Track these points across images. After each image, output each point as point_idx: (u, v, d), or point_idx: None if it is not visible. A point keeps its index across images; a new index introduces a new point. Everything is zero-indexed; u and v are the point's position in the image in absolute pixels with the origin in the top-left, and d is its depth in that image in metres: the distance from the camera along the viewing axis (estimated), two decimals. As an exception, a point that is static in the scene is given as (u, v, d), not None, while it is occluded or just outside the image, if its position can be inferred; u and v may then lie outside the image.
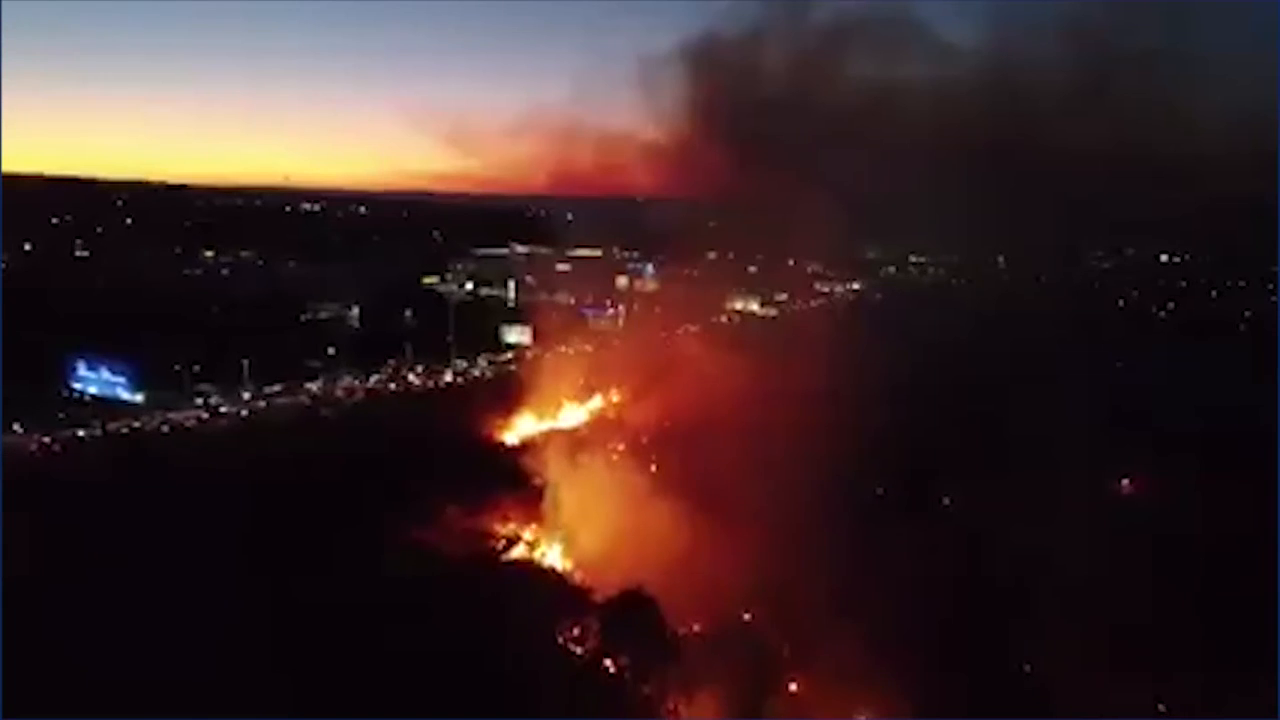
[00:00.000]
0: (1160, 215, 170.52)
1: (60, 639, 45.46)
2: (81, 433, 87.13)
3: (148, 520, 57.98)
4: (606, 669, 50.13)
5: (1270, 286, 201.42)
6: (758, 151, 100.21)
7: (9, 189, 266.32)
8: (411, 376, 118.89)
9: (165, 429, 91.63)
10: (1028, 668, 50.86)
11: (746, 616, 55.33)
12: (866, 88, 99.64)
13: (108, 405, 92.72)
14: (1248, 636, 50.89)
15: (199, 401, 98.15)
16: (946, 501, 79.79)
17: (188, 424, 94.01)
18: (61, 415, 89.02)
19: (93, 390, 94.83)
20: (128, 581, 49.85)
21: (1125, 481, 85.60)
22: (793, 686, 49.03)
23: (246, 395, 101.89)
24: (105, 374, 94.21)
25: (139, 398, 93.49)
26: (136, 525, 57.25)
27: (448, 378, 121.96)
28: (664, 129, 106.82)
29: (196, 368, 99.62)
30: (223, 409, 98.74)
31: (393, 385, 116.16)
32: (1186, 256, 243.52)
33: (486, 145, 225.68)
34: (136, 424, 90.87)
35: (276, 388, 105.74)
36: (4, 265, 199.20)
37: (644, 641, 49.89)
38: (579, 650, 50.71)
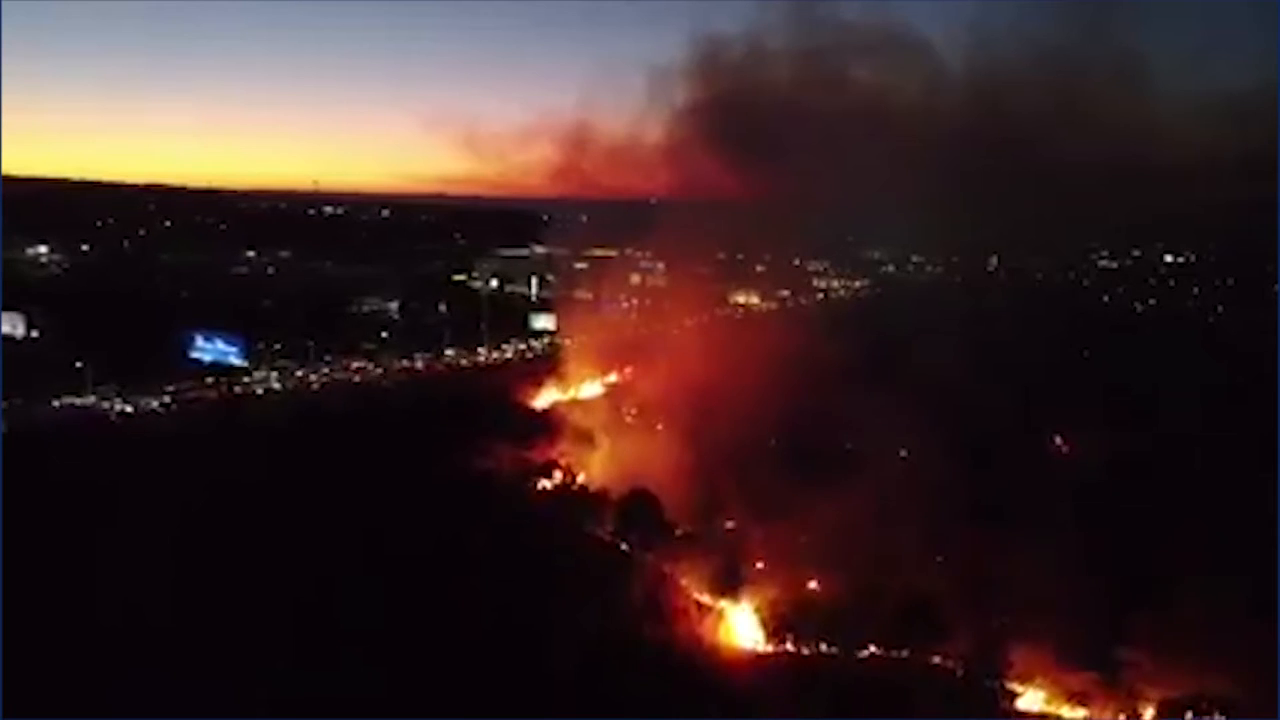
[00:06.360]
0: (1162, 216, 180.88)
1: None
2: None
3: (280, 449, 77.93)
4: (619, 546, 68.38)
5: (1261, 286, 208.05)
6: (763, 156, 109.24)
7: (48, 193, 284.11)
8: (453, 357, 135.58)
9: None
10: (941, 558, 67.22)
11: (730, 524, 71.87)
12: (868, 94, 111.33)
13: (220, 370, 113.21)
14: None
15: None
16: (904, 454, 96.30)
17: (281, 387, 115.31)
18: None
19: (208, 358, 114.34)
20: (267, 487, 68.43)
21: (1058, 439, 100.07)
22: (759, 564, 65.54)
23: (319, 369, 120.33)
24: (219, 344, 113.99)
25: (246, 364, 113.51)
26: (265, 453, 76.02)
27: (484, 358, 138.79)
28: (672, 133, 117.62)
29: (277, 346, 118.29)
30: (310, 378, 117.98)
31: (438, 364, 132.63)
32: (1192, 257, 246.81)
33: (499, 149, 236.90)
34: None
35: (354, 363, 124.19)
36: (66, 265, 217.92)
37: (647, 526, 68.07)
38: (600, 534, 69.28)
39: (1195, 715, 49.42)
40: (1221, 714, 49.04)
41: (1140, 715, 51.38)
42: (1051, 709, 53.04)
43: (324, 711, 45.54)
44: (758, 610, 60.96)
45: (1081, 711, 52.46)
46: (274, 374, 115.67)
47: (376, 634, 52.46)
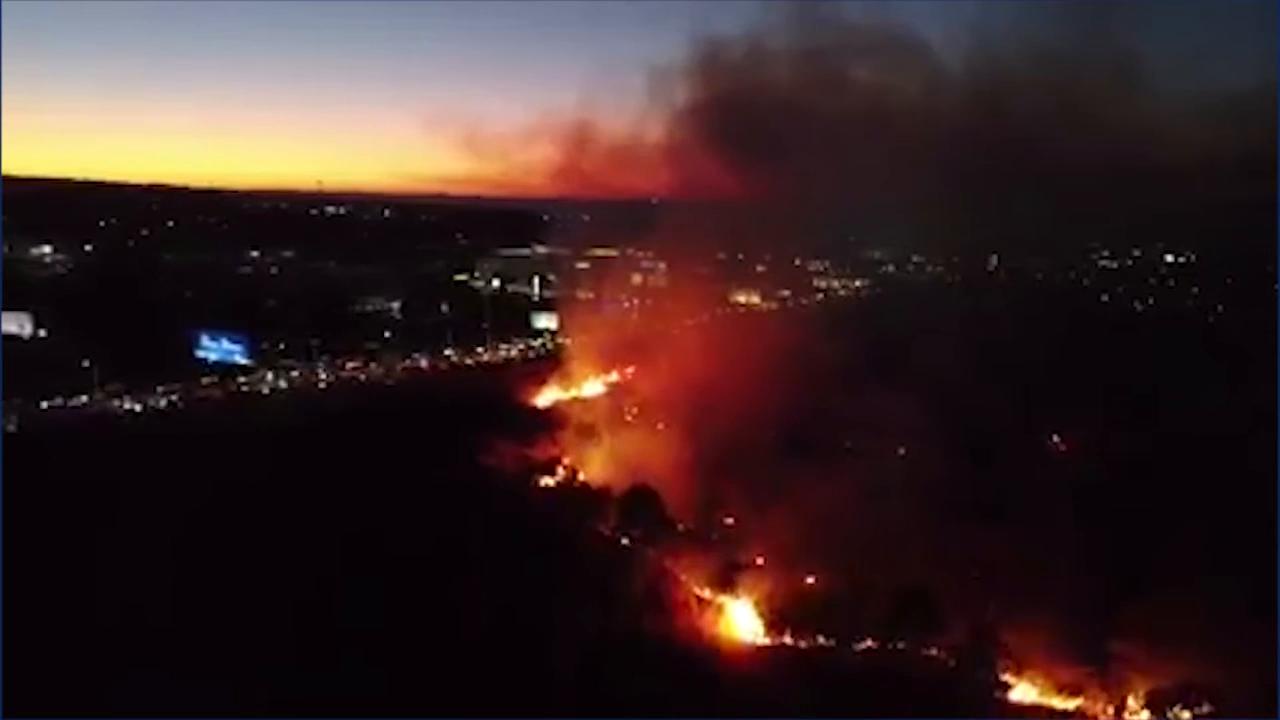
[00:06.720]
0: (1162, 216, 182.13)
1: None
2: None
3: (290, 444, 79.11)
4: (621, 541, 69.44)
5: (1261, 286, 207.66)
6: (763, 156, 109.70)
7: (51, 194, 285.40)
8: (455, 356, 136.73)
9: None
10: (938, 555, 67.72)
11: (730, 520, 73.07)
12: (868, 94, 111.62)
13: (226, 368, 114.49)
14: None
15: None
16: (902, 451, 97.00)
17: (286, 386, 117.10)
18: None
19: (213, 357, 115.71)
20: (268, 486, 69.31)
21: (1056, 438, 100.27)
22: (759, 560, 66.54)
23: (322, 369, 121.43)
24: (225, 343, 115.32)
25: (250, 362, 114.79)
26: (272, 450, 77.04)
27: (486, 357, 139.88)
28: (672, 133, 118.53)
29: (281, 345, 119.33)
30: (314, 377, 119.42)
31: (440, 363, 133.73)
32: (1192, 257, 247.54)
33: (500, 149, 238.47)
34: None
35: (353, 362, 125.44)
36: (70, 265, 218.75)
37: (648, 522, 69.08)
38: (603, 529, 70.19)
39: (1184, 706, 50.10)
40: (1210, 704, 49.70)
41: (1130, 705, 52.10)
42: (1044, 700, 53.79)
43: (324, 711, 46.12)
44: (757, 604, 61.84)
45: (1073, 703, 53.22)
46: (278, 373, 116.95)
47: (379, 632, 53.29)
